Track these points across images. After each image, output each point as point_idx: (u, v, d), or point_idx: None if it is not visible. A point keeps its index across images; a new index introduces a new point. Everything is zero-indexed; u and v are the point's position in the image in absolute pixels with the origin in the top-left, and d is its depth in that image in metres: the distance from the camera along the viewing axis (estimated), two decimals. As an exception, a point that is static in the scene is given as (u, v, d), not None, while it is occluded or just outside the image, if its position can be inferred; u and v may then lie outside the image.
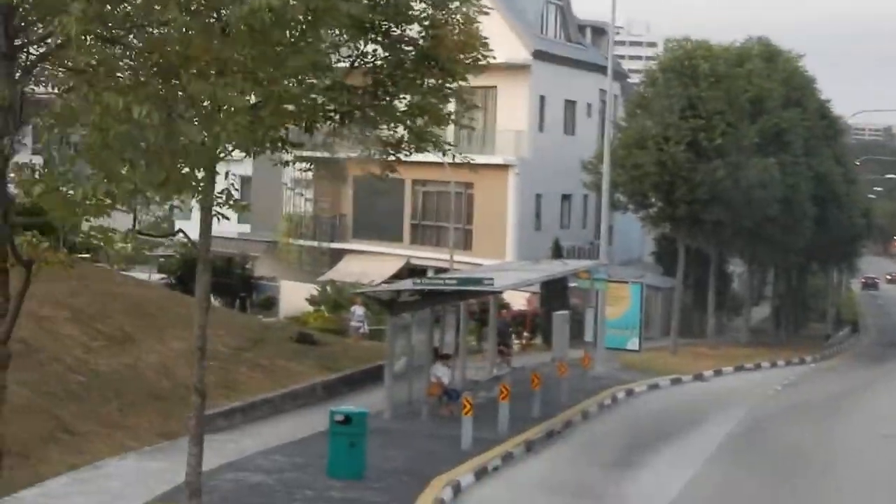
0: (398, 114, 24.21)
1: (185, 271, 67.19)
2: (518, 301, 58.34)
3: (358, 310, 52.11)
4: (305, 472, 26.89)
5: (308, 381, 37.77)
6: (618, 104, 70.33)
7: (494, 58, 26.63)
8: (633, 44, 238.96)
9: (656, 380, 49.53)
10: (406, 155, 30.10)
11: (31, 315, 33.88)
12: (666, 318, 67.85)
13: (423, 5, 25.91)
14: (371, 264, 69.70)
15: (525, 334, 57.76)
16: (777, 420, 41.43)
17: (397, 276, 63.35)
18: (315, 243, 74.18)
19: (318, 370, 39.51)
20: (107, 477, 25.46)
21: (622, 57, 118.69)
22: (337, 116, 22.92)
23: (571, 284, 53.99)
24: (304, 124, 21.70)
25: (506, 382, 35.89)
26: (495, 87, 68.32)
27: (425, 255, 68.22)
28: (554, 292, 56.82)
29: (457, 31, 25.92)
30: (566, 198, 71.58)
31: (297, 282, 69.87)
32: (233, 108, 16.26)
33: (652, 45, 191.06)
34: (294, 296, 65.94)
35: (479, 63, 24.80)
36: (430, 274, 59.41)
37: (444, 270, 58.48)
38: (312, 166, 39.47)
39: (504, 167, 66.96)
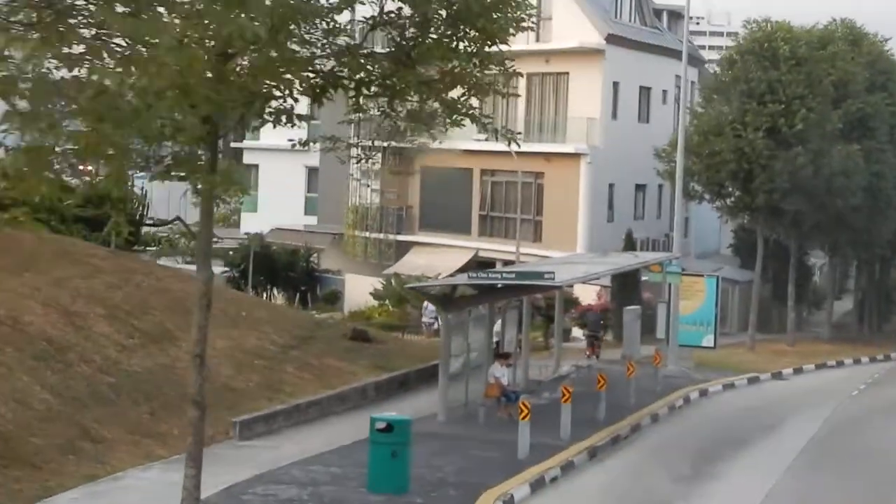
0: (429, 83, 21.35)
1: (247, 265, 66.26)
2: (588, 296, 55.81)
3: (431, 305, 49.66)
4: (344, 485, 24.68)
5: (359, 381, 35.63)
6: (694, 91, 67.59)
7: (530, 15, 23.28)
8: (713, 34, 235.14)
9: (732, 379, 46.79)
10: (442, 131, 25.40)
11: (63, 311, 32.10)
12: (744, 312, 65.29)
13: None
14: (438, 257, 67.41)
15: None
16: (863, 423, 38.69)
17: (465, 268, 60.92)
18: (381, 235, 71.82)
19: (370, 370, 37.36)
20: (125, 490, 23.43)
21: (702, 47, 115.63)
22: (352, 85, 20.20)
23: (643, 278, 51.45)
24: (310, 92, 19.24)
25: (570, 382, 33.67)
26: (567, 73, 66.28)
27: (494, 248, 65.83)
28: (625, 286, 54.44)
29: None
30: (640, 188, 68.91)
31: (363, 275, 67.60)
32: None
33: (733, 34, 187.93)
34: (359, 289, 64.05)
35: (522, 23, 21.95)
36: (498, 267, 57.18)
37: (513, 263, 56.01)
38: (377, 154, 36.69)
39: (575, 156, 64.40)
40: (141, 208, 76.45)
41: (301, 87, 18.32)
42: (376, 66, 19.80)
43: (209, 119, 16.37)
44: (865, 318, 78.01)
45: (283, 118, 18.21)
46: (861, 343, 67.96)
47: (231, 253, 68.31)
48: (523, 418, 28.04)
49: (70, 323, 31.26)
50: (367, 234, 72.40)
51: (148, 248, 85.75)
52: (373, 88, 20.26)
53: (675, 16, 75.80)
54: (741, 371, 48.67)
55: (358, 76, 19.81)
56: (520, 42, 61.04)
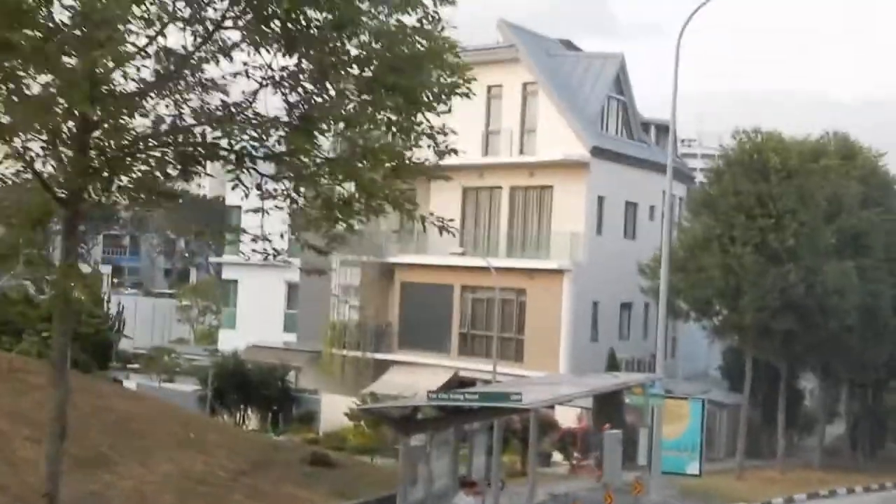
0: (339, 160, 18.49)
1: (222, 382, 63.82)
2: (569, 418, 53.04)
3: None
4: None
5: (313, 511, 32.64)
6: (682, 206, 65.30)
7: (468, 81, 19.36)
8: (704, 156, 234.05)
9: (719, 510, 43.72)
10: (362, 222, 21.97)
11: (-18, 432, 29.37)
12: (732, 437, 62.55)
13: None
14: (417, 376, 64.41)
15: (575, 455, 52.19)
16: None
17: (445, 388, 58.11)
18: (359, 353, 68.95)
19: (329, 498, 34.28)
20: None
21: (693, 169, 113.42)
22: (232, 157, 17.35)
23: (626, 401, 48.72)
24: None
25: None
26: (551, 186, 64.01)
27: (475, 367, 62.94)
28: (607, 409, 51.48)
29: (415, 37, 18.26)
30: (626, 306, 66.17)
31: (340, 395, 64.59)
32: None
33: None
34: (335, 410, 61.06)
35: (457, 89, 18.79)
36: (478, 386, 54.31)
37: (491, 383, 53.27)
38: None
39: (558, 272, 61.81)
40: (116, 324, 75.72)
41: (167, 157, 15.72)
42: (262, 132, 17.05)
43: (66, 201, 13.92)
44: (858, 444, 74.96)
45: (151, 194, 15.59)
46: (854, 470, 64.92)
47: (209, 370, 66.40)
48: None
49: (-10, 446, 28.46)
50: (346, 352, 69.38)
51: (129, 366, 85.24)
52: (267, 164, 17.44)
53: (664, 129, 73.57)
54: (729, 500, 45.67)
55: (239, 145, 17.06)
56: (503, 155, 59.23)
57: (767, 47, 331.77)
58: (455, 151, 20.23)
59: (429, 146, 19.94)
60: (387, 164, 18.96)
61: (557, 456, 53.02)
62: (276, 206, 19.30)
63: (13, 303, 70.08)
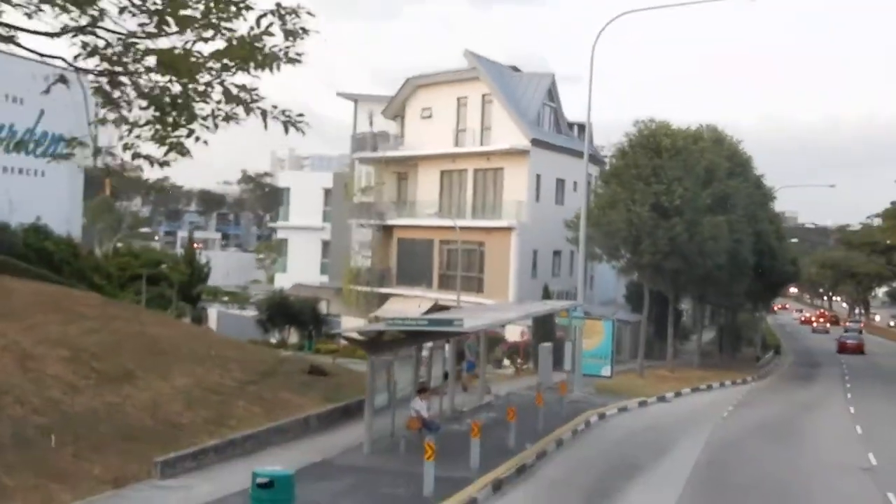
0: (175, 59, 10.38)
1: (273, 310, 59.58)
2: (515, 333, 46.68)
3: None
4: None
5: (302, 413, 26.19)
6: (596, 182, 58.94)
7: None
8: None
9: (625, 402, 37.32)
10: (208, 128, 11.45)
11: (19, 354, 22.82)
12: (633, 346, 56.62)
13: None
14: (409, 304, 58.83)
15: (519, 361, 45.67)
16: (740, 445, 29.27)
17: (428, 312, 52.29)
18: (368, 289, 62.83)
19: (319, 402, 27.90)
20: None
21: (605, 157, 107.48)
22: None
23: (556, 321, 42.19)
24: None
25: (483, 414, 24.49)
26: (503, 168, 57.66)
27: (450, 297, 56.51)
28: (542, 327, 45.09)
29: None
30: (556, 253, 59.74)
31: (354, 318, 58.78)
32: None
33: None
34: (351, 329, 55.01)
35: None
36: (451, 310, 48.03)
37: (459, 307, 47.25)
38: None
39: (508, 229, 55.65)
40: (201, 272, 72.10)
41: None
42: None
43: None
44: (723, 348, 68.51)
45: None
46: (723, 369, 58.70)
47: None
48: (428, 458, 18.88)
49: (21, 366, 22.05)
50: (359, 287, 63.24)
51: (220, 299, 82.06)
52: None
53: (583, 127, 67.41)
54: (633, 395, 39.30)
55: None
56: (469, 146, 52.86)
57: (672, 61, 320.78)
58: (306, 31, 11.20)
59: (272, 24, 11.11)
60: (211, 43, 10.60)
61: (507, 362, 46.64)
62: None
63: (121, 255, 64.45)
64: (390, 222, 62.89)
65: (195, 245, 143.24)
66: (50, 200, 44.15)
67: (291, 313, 60.56)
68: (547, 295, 50.36)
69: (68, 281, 37.09)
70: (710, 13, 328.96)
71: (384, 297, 62.64)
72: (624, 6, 37.59)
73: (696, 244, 44.01)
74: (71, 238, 43.64)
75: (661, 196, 43.31)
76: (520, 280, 55.15)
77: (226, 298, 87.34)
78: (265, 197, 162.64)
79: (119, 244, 77.86)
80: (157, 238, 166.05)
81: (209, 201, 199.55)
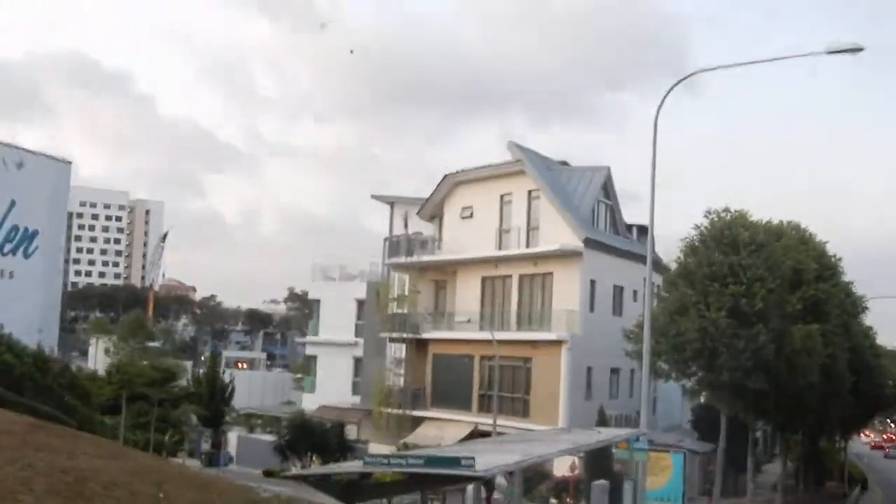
0: None
1: (294, 434, 53.89)
2: (564, 467, 38.42)
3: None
4: None
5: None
6: (659, 290, 51.20)
7: None
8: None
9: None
10: None
11: None
12: (702, 479, 48.38)
13: None
14: (445, 430, 51.24)
15: (569, 500, 37.25)
16: None
17: (467, 439, 45.57)
18: (400, 411, 55.17)
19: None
20: None
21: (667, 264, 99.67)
22: None
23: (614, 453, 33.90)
24: None
25: None
26: (552, 273, 50.49)
27: (490, 422, 48.55)
28: (597, 459, 36.76)
29: None
30: (614, 371, 51.77)
31: (384, 444, 51.21)
32: None
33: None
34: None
35: None
36: (488, 439, 40.09)
37: (502, 434, 39.33)
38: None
39: (558, 343, 48.05)
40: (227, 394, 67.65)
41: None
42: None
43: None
44: (802, 481, 58.93)
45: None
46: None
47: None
48: None
49: None
50: (390, 409, 55.64)
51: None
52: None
53: (644, 230, 59.96)
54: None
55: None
56: (513, 247, 46.07)
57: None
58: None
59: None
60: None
61: (554, 501, 38.25)
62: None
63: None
64: (425, 335, 55.57)
65: (239, 364, 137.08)
66: (17, 305, 37.69)
67: (314, 439, 53.95)
68: (602, 420, 42.39)
69: (29, 401, 30.15)
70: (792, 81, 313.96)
71: (418, 421, 55.01)
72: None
73: (784, 358, 35.77)
74: (41, 350, 36.80)
75: (740, 299, 35.31)
76: (571, 402, 47.33)
77: (259, 421, 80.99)
78: (311, 315, 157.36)
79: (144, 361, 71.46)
80: (203, 359, 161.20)
81: (256, 320, 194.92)
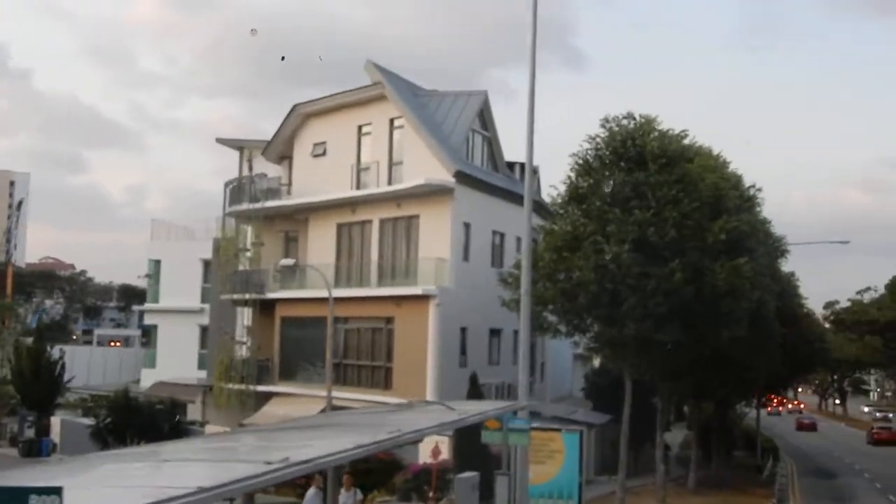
0: None
1: (115, 417, 44.47)
2: (427, 452, 29.20)
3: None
4: None
5: None
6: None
7: None
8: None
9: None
10: None
11: None
12: (600, 457, 40.81)
13: None
14: (295, 407, 41.53)
15: (431, 495, 27.90)
16: None
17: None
18: (242, 387, 45.48)
19: None
20: None
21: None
22: None
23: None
24: None
25: None
26: (418, 216, 41.17)
27: (347, 396, 39.43)
28: (469, 442, 27.52)
29: None
30: (495, 332, 42.83)
31: (223, 426, 41.66)
32: None
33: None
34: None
35: None
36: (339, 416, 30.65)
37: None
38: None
39: (425, 298, 38.88)
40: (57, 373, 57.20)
41: None
42: None
43: None
44: (712, 455, 50.50)
45: None
46: (727, 488, 41.56)
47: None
48: None
49: None
50: (231, 385, 45.90)
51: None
52: None
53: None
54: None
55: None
56: (372, 187, 36.71)
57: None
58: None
59: None
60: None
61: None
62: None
63: None
64: (271, 295, 45.80)
65: (113, 343, 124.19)
66: None
67: (141, 420, 43.96)
68: (476, 391, 33.27)
69: None
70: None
71: (266, 398, 45.38)
72: None
73: (705, 302, 27.12)
74: None
75: (647, 228, 26.44)
76: (442, 370, 38.37)
77: (92, 404, 69.69)
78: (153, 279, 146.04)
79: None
80: (74, 337, 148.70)
81: (131, 296, 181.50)
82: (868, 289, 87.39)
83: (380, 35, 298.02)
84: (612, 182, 27.61)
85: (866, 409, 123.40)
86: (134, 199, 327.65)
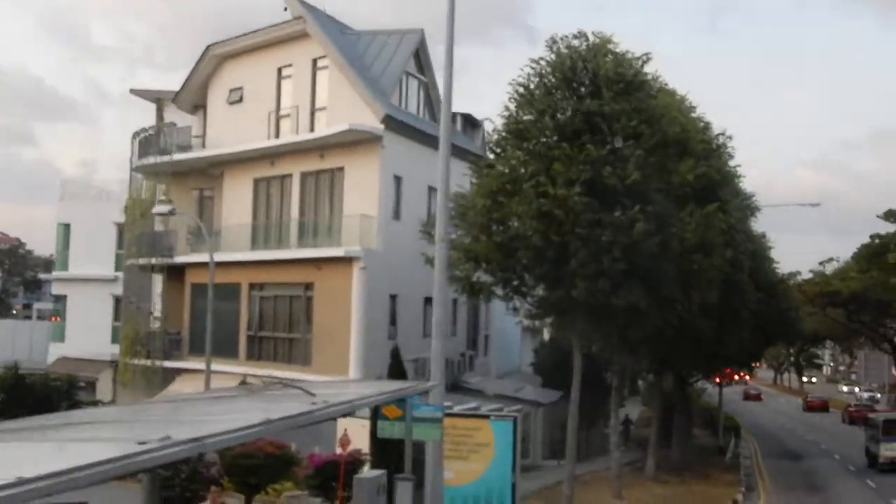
0: None
1: (8, 394, 39.00)
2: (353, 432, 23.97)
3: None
4: None
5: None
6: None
7: None
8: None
9: None
10: None
11: None
12: (548, 438, 35.49)
13: None
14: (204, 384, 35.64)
15: (340, 493, 22.65)
16: None
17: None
18: (148, 362, 40.08)
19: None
20: None
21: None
22: None
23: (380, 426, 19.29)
24: None
25: None
26: (342, 168, 35.85)
27: (263, 372, 34.17)
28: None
29: None
30: (430, 301, 37.46)
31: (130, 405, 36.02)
32: None
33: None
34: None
35: None
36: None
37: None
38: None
39: (348, 261, 33.66)
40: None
41: None
42: None
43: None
44: (672, 437, 45.61)
45: None
46: (689, 473, 36.90)
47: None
48: None
49: None
50: (137, 360, 40.50)
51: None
52: None
53: (472, 124, 46.06)
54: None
55: None
56: (291, 135, 31.39)
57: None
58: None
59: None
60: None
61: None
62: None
63: None
64: (180, 259, 40.32)
65: (53, 318, 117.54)
66: None
67: (36, 401, 38.69)
68: (398, 368, 27.98)
69: None
70: None
71: (173, 375, 40.02)
72: None
73: (671, 259, 22.05)
74: None
75: (602, 167, 21.24)
76: (367, 343, 33.24)
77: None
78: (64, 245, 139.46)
79: None
80: (14, 311, 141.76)
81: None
82: (831, 259, 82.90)
83: (339, 11, 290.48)
84: (558, 115, 22.29)
85: (845, 389, 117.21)
86: (87, 174, 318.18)
